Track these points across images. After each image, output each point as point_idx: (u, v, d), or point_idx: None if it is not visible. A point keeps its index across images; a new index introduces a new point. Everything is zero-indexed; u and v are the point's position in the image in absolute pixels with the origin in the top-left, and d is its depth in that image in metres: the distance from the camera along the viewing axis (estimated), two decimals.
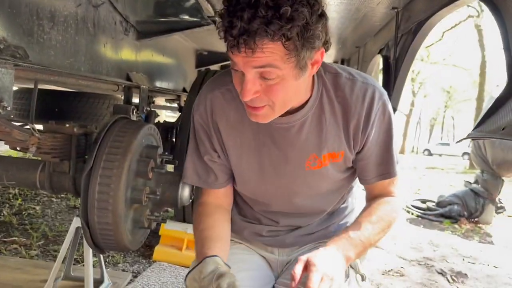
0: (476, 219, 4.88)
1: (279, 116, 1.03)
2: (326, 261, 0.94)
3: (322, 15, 0.91)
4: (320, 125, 1.08)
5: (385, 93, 1.10)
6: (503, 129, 0.91)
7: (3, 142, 1.56)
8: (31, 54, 1.41)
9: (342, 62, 4.50)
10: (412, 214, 5.02)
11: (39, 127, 1.61)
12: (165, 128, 3.11)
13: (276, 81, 0.91)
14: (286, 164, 1.11)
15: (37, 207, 3.50)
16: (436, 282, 2.82)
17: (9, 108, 1.24)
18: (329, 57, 4.50)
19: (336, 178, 1.16)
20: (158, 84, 2.95)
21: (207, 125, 1.13)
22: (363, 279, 1.20)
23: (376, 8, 2.38)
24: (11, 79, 1.29)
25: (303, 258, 0.93)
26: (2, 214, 3.23)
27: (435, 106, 40.75)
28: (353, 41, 3.59)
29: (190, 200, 1.76)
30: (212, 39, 3.18)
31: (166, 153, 1.80)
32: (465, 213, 4.85)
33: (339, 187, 1.21)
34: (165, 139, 3.08)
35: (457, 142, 1.18)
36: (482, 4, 1.32)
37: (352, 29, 3.04)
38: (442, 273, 2.99)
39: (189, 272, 1.01)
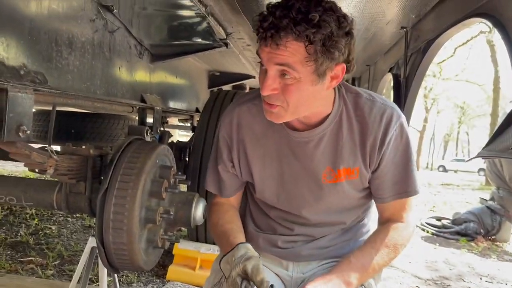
0: (493, 237, 4.80)
1: (299, 131, 1.14)
2: None
3: (349, 33, 0.99)
4: (337, 140, 1.14)
5: (403, 116, 1.14)
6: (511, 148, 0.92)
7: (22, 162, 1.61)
8: (50, 79, 1.46)
9: (353, 81, 4.53)
10: (427, 232, 4.95)
11: (57, 148, 1.66)
12: (179, 148, 3.15)
13: (293, 82, 0.99)
14: (304, 176, 1.17)
15: (53, 227, 3.55)
16: None
17: (28, 132, 1.29)
18: None
19: (352, 196, 1.20)
20: (172, 104, 3.00)
21: (230, 137, 1.22)
22: None
23: (386, 28, 2.42)
24: (31, 104, 1.34)
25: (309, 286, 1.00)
26: (19, 234, 3.28)
27: (449, 122, 40.43)
28: (364, 59, 3.62)
29: (203, 220, 1.78)
30: (224, 61, 3.24)
31: (180, 173, 1.83)
32: (482, 230, 4.77)
33: (354, 206, 1.24)
34: (178, 159, 3.12)
35: (467, 160, 1.19)
36: None
37: (362, 48, 3.07)
38: None
39: (222, 257, 1.10)
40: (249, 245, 1.10)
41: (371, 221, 1.36)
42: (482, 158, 1.06)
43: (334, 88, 1.13)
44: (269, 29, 0.94)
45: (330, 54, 0.97)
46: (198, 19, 1.98)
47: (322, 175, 1.16)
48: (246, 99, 1.23)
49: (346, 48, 1.00)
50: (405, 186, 1.14)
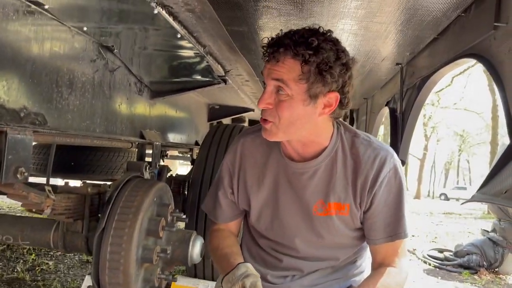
0: (496, 269, 4.73)
1: (296, 162, 1.20)
2: None
3: (345, 65, 1.08)
4: (330, 174, 1.18)
5: (398, 160, 1.19)
6: (505, 192, 0.93)
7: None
8: (50, 120, 1.48)
9: (351, 113, 4.57)
10: (429, 264, 4.88)
11: (57, 180, 1.67)
12: (177, 182, 3.15)
13: (286, 98, 1.07)
14: (297, 206, 1.22)
15: (50, 262, 3.51)
16: None
17: (26, 174, 1.30)
18: None
19: (343, 233, 1.21)
20: (171, 138, 3.02)
21: (232, 165, 1.29)
22: None
23: (381, 64, 2.46)
24: (30, 145, 1.36)
25: None
26: (15, 270, 3.24)
27: (449, 149, 40.46)
28: (361, 93, 3.67)
29: (201, 258, 1.77)
30: (223, 95, 3.29)
31: (177, 210, 1.83)
32: (485, 263, 4.71)
33: (346, 244, 1.25)
34: (177, 193, 3.11)
35: (462, 204, 1.19)
36: None
37: (360, 82, 3.12)
38: None
39: (224, 276, 1.13)
40: (249, 265, 1.13)
41: (365, 264, 1.35)
42: (477, 202, 1.07)
43: (333, 125, 1.20)
44: (272, 46, 1.07)
45: (323, 78, 1.05)
46: (197, 58, 2.02)
47: (313, 207, 1.19)
48: (251, 130, 1.32)
49: (340, 78, 1.08)
50: (397, 228, 1.15)
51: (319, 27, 1.10)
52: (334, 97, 1.09)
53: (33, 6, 1.33)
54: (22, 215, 2.29)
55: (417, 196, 28.88)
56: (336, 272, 1.29)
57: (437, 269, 4.77)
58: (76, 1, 1.38)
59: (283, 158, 1.23)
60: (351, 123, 4.57)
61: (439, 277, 4.42)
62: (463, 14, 1.52)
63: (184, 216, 1.88)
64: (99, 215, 1.76)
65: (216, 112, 3.94)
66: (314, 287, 1.28)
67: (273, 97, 1.09)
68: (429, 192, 40.93)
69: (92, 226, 1.72)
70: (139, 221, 1.59)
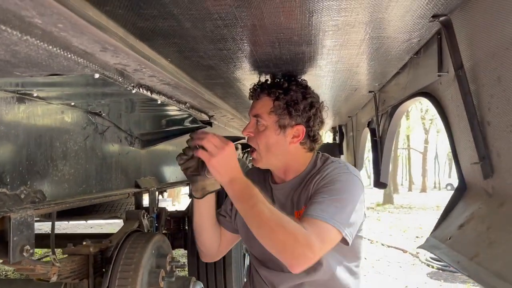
0: None
1: (278, 184, 1.53)
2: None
3: (311, 105, 1.46)
4: (300, 190, 1.44)
5: (349, 169, 1.41)
6: (449, 238, 1.05)
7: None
8: (48, 193, 1.61)
9: (340, 128, 4.70)
10: (433, 267, 4.98)
11: (63, 223, 1.78)
12: (177, 219, 3.26)
13: (262, 128, 1.43)
14: None
15: None
16: None
17: (31, 251, 1.42)
18: (326, 124, 4.70)
19: None
20: (167, 178, 3.15)
21: None
22: None
23: (356, 92, 2.60)
24: (32, 222, 1.48)
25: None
26: None
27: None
28: (346, 111, 3.81)
29: None
30: (213, 130, 3.42)
31: (175, 259, 1.95)
32: None
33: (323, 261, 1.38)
34: (177, 229, 3.22)
35: (418, 248, 1.31)
36: None
37: (343, 101, 3.25)
38: None
39: None
40: None
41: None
42: (427, 250, 1.18)
43: (314, 155, 1.50)
44: (254, 89, 1.53)
45: (289, 112, 1.41)
46: (180, 112, 2.16)
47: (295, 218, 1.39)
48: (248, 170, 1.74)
49: (305, 113, 1.44)
50: (319, 211, 1.25)
51: (295, 74, 1.59)
52: (300, 129, 1.44)
53: (23, 96, 1.48)
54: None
55: (423, 189, 28.90)
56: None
57: (440, 271, 4.87)
58: (61, 87, 1.51)
59: (268, 184, 1.57)
60: (341, 137, 4.70)
61: (442, 280, 4.52)
62: (415, 56, 1.65)
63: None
64: (103, 270, 1.89)
65: None
66: None
67: (254, 127, 1.47)
68: (435, 183, 40.90)
69: (97, 282, 1.84)
70: (139, 276, 1.71)
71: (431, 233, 1.21)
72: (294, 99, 1.43)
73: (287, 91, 1.45)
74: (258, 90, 1.50)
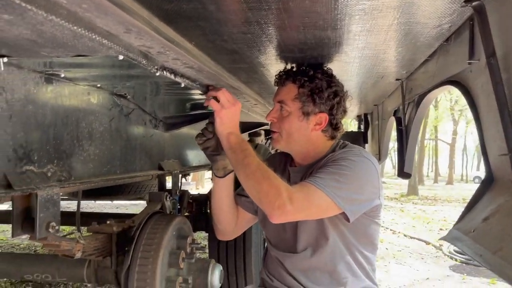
0: None
1: (296, 167, 1.59)
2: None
3: (335, 93, 1.49)
4: (312, 171, 1.47)
5: (361, 151, 1.46)
6: (473, 231, 1.02)
7: None
8: (74, 173, 1.66)
9: (365, 116, 4.63)
10: (456, 260, 4.89)
11: (90, 202, 1.84)
12: (199, 202, 3.30)
13: (286, 114, 1.48)
14: None
15: (89, 284, 3.73)
16: None
17: (57, 228, 1.47)
18: (351, 112, 4.64)
19: (322, 221, 1.43)
20: (190, 163, 3.18)
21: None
22: None
23: (382, 80, 2.55)
24: (58, 200, 1.53)
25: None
26: None
27: None
28: (372, 99, 3.74)
29: (220, 285, 1.91)
30: None
31: (196, 241, 1.98)
32: None
33: (334, 242, 1.45)
34: (199, 212, 3.26)
35: (440, 239, 1.29)
36: None
37: (369, 89, 3.20)
38: None
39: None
40: None
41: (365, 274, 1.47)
42: (450, 242, 1.16)
43: (334, 143, 1.53)
44: (280, 75, 1.56)
45: (313, 100, 1.44)
46: (203, 96, 2.16)
47: None
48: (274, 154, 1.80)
49: (328, 101, 1.47)
50: (316, 179, 1.32)
51: (321, 62, 1.60)
52: (323, 117, 1.47)
53: (51, 77, 1.51)
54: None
55: (449, 182, 28.33)
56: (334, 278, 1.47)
57: (464, 264, 4.78)
58: (88, 68, 1.53)
59: (287, 166, 1.62)
60: (366, 126, 4.63)
61: (465, 273, 4.44)
62: (445, 43, 1.60)
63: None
64: (126, 249, 1.93)
65: None
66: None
67: (278, 113, 1.50)
68: (462, 176, 40.01)
69: (120, 260, 1.88)
70: (160, 257, 1.75)
71: (455, 225, 1.18)
72: (319, 87, 1.46)
73: (312, 78, 1.47)
74: (284, 77, 1.53)
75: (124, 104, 2.08)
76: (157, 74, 1.48)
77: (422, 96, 2.10)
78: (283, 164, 1.66)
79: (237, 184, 1.66)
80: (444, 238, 1.18)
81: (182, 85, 1.76)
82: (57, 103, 1.58)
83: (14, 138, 1.33)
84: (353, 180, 1.33)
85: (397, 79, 2.46)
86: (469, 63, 1.35)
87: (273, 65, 2.02)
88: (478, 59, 1.32)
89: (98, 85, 1.79)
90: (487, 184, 1.19)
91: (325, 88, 1.47)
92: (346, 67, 2.17)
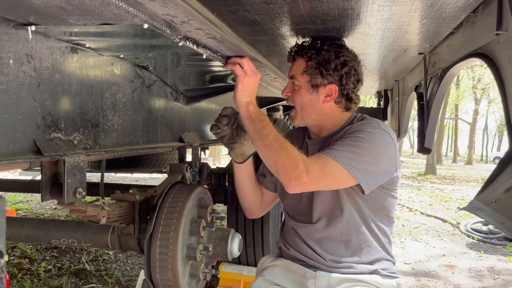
0: None
1: (313, 139, 1.62)
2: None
3: (343, 63, 1.49)
4: (330, 142, 1.51)
5: (377, 123, 1.47)
6: (495, 201, 1.03)
7: None
8: (98, 142, 1.70)
9: (386, 92, 4.57)
10: (473, 238, 4.88)
11: (111, 175, 1.90)
12: (218, 175, 3.35)
13: (297, 88, 1.53)
14: None
15: (111, 252, 3.87)
16: None
17: (84, 193, 1.52)
18: (371, 89, 4.59)
19: (338, 193, 1.46)
20: (209, 136, 3.21)
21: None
22: None
23: (405, 54, 2.51)
24: (84, 168, 1.58)
25: None
26: (81, 261, 3.62)
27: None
28: (392, 75, 3.69)
29: (239, 253, 1.96)
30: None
31: (215, 210, 2.03)
32: None
33: (350, 209, 1.47)
34: (218, 185, 3.31)
35: (460, 209, 1.29)
36: None
37: (390, 64, 3.15)
38: None
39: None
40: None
41: (382, 245, 1.49)
42: (470, 212, 1.16)
43: (352, 115, 1.55)
44: (289, 52, 1.62)
45: (320, 72, 1.46)
46: (224, 69, 2.17)
47: None
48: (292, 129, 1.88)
49: (336, 72, 1.48)
50: (332, 150, 1.35)
51: (337, 36, 1.58)
52: (333, 88, 1.49)
53: (76, 46, 1.53)
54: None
55: (469, 162, 27.95)
56: (358, 251, 1.48)
57: (481, 242, 4.77)
58: (112, 38, 1.55)
59: (306, 140, 1.65)
60: (386, 102, 4.58)
61: (482, 251, 4.43)
62: (472, 14, 1.57)
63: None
64: (148, 217, 1.99)
65: None
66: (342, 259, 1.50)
67: (291, 88, 1.57)
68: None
69: (143, 228, 1.95)
70: (182, 224, 1.80)
71: (475, 196, 1.18)
72: (326, 59, 1.48)
73: (319, 51, 1.50)
74: (293, 52, 1.58)
75: (146, 76, 2.10)
76: (180, 44, 1.49)
77: (445, 70, 2.07)
78: (301, 137, 1.70)
79: (256, 165, 1.73)
80: (464, 208, 1.19)
81: (204, 56, 1.77)
82: (82, 73, 1.61)
83: (43, 106, 1.37)
84: (369, 152, 1.34)
85: (419, 53, 2.42)
86: (497, 34, 1.32)
87: (294, 37, 2.01)
88: (506, 30, 1.29)
89: (121, 56, 1.81)
90: (510, 156, 1.18)
91: (333, 59, 1.48)
92: (368, 40, 2.15)
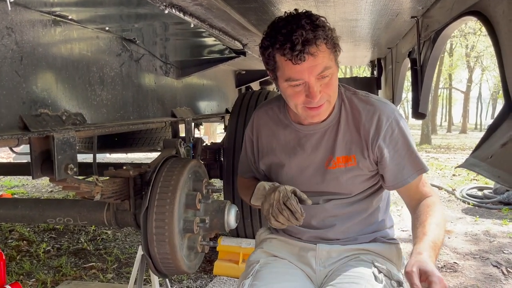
0: None
1: (307, 125, 1.36)
2: (434, 268, 1.01)
3: (330, 28, 1.21)
4: (336, 132, 1.33)
5: (396, 110, 1.32)
6: (490, 157, 1.01)
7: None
8: (88, 117, 1.67)
9: (379, 61, 4.53)
10: (469, 203, 4.92)
11: (105, 155, 1.87)
12: (212, 150, 3.33)
13: (330, 77, 1.19)
14: (309, 163, 1.38)
15: (109, 231, 3.88)
16: (490, 275, 2.82)
17: (75, 169, 1.50)
18: (364, 58, 4.54)
19: (352, 182, 1.35)
20: (202, 111, 3.18)
21: (252, 134, 1.52)
22: (399, 285, 1.28)
23: (398, 18, 2.46)
24: (75, 143, 1.55)
25: (414, 269, 0.99)
26: (80, 241, 3.62)
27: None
28: (385, 42, 3.64)
29: (236, 224, 1.96)
30: (246, 63, 3.37)
31: (211, 183, 2.01)
32: None
33: (359, 196, 1.39)
34: (213, 160, 3.30)
35: (457, 167, 1.28)
36: None
37: (384, 27, 3.10)
38: (497, 265, 2.98)
39: (250, 199, 1.42)
40: (264, 182, 1.40)
41: (381, 213, 1.46)
42: (466, 169, 1.14)
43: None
44: (304, 45, 1.12)
45: (336, 44, 1.21)
46: (214, 39, 2.12)
47: (325, 163, 1.35)
48: (265, 104, 1.52)
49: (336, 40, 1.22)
50: (417, 165, 1.27)
51: (304, 10, 1.21)
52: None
53: (58, 18, 1.48)
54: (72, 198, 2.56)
55: (463, 131, 28.07)
56: (361, 223, 1.42)
57: (477, 207, 4.81)
58: (95, 8, 1.51)
59: (292, 125, 1.40)
60: (379, 71, 4.54)
61: (478, 216, 4.47)
62: None
63: (218, 187, 2.06)
64: (143, 193, 1.97)
65: (243, 78, 4.04)
66: (345, 234, 1.42)
67: (318, 84, 1.18)
68: (476, 125, 39.58)
69: (138, 203, 1.93)
70: (177, 198, 1.78)
71: (471, 153, 1.17)
72: (330, 29, 1.20)
73: (323, 25, 1.18)
74: (316, 43, 1.14)
75: (134, 49, 2.05)
76: (166, 11, 1.44)
77: (438, 33, 2.03)
78: (277, 124, 1.44)
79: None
80: (461, 165, 1.18)
81: (192, 25, 1.72)
82: (66, 46, 1.56)
83: (27, 81, 1.33)
84: (413, 143, 1.32)
85: (412, 17, 2.38)
86: None
87: (284, 4, 1.96)
88: None
89: (107, 28, 1.76)
90: (506, 112, 1.17)
91: (329, 28, 1.20)
92: (359, 4, 2.10)
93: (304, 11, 1.20)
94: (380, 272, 1.29)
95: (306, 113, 1.26)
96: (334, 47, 1.20)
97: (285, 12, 1.21)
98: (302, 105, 1.23)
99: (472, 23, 17.07)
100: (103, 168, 1.98)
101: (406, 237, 3.70)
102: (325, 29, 1.17)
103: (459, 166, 1.20)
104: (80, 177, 1.75)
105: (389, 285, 1.27)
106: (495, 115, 1.28)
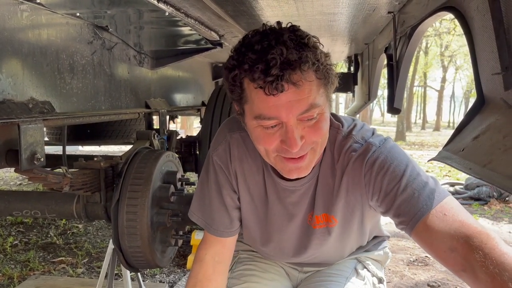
0: (506, 199, 4.85)
1: (286, 180, 1.00)
2: None
3: (323, 52, 0.86)
4: (315, 186, 1.03)
5: (386, 142, 0.96)
6: (462, 150, 1.02)
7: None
8: (56, 106, 1.61)
9: (356, 57, 4.55)
10: None
11: (78, 147, 1.81)
12: (188, 143, 3.28)
13: (318, 116, 0.85)
14: (289, 221, 1.08)
15: (80, 226, 3.79)
16: None
17: (42, 159, 1.44)
18: (341, 53, 4.56)
19: (334, 244, 1.11)
20: (178, 103, 3.13)
21: (226, 166, 1.06)
22: (380, 281, 1.24)
23: (375, 13, 2.47)
24: (42, 133, 1.49)
25: None
26: (49, 235, 3.53)
27: (469, 78, 39.42)
28: (362, 38, 3.65)
29: None
30: (223, 54, 3.32)
31: (184, 176, 1.98)
32: (495, 193, 4.82)
33: (344, 246, 1.16)
34: (188, 153, 3.25)
35: (429, 160, 1.29)
36: None
37: (361, 22, 3.11)
38: None
39: None
40: None
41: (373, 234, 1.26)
42: (439, 161, 1.15)
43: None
44: (282, 69, 0.77)
45: (329, 74, 0.85)
46: (190, 29, 2.08)
47: (307, 220, 1.07)
48: (238, 126, 1.05)
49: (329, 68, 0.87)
50: (427, 202, 0.85)
51: (290, 24, 0.86)
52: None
53: (25, 1, 1.42)
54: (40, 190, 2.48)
55: (437, 128, 28.70)
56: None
57: None
58: None
59: (272, 176, 1.03)
60: (356, 67, 4.56)
61: None
62: None
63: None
64: (114, 185, 1.92)
65: (220, 70, 4.00)
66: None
67: (300, 127, 0.84)
68: (449, 123, 40.52)
69: (109, 196, 1.88)
70: (149, 190, 1.74)
71: (444, 147, 1.18)
72: (321, 51, 0.85)
73: (314, 45, 0.84)
74: (300, 67, 0.79)
75: (106, 38, 1.99)
76: None
77: (414, 28, 2.04)
78: (255, 165, 1.05)
79: None
80: (434, 159, 1.18)
81: (166, 13, 1.68)
82: (34, 31, 1.50)
83: None
84: (416, 166, 0.93)
85: (389, 12, 2.38)
86: None
87: None
88: None
89: (77, 14, 1.70)
90: (478, 106, 1.18)
91: (320, 52, 0.85)
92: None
93: (289, 24, 0.86)
94: (364, 267, 1.23)
95: (281, 165, 0.91)
96: (326, 77, 0.84)
97: (264, 23, 0.86)
98: (276, 153, 0.88)
99: (446, 23, 17.42)
100: (74, 160, 1.92)
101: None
102: (316, 51, 0.82)
103: (432, 159, 1.21)
104: (49, 169, 1.69)
105: (370, 282, 1.21)
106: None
